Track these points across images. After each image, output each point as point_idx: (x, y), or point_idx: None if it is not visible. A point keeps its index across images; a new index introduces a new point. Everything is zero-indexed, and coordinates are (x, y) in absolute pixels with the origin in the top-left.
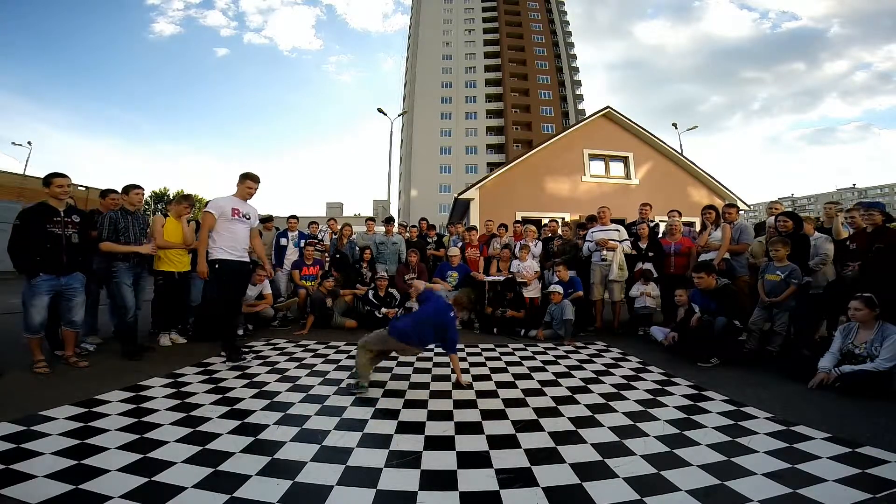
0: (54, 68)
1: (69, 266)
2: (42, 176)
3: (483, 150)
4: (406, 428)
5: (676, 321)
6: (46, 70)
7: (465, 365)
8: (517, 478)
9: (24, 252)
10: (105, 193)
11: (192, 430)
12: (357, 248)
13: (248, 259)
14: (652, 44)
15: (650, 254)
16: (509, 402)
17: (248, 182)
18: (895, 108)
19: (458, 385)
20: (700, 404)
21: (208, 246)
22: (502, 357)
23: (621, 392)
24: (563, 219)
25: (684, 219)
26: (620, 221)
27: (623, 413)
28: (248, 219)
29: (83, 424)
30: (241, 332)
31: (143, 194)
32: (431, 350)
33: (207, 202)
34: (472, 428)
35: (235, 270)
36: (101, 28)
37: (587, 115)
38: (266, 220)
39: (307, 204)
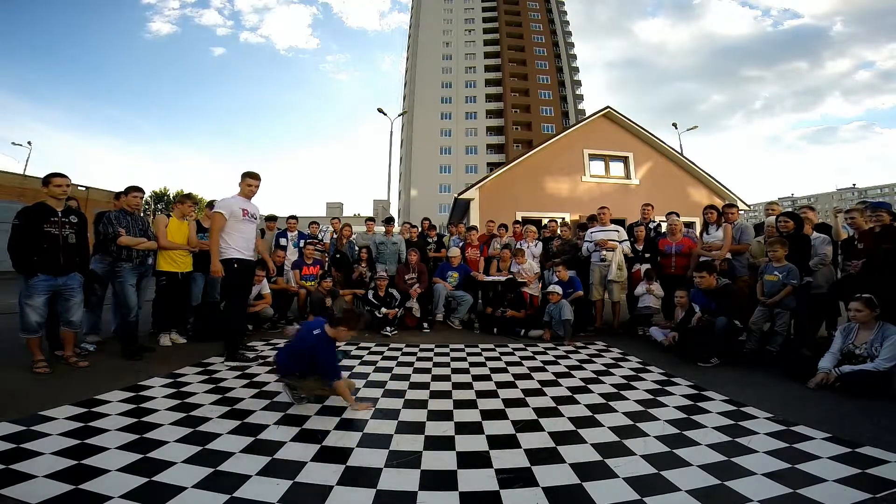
0: (55, 68)
1: (67, 266)
2: (42, 176)
3: (483, 150)
4: (406, 428)
5: (675, 321)
6: (45, 70)
7: (465, 365)
8: (517, 478)
9: (22, 252)
10: (119, 195)
11: (192, 430)
12: (357, 249)
13: (255, 259)
14: (652, 42)
15: (646, 255)
16: (509, 402)
17: (249, 180)
18: None
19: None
20: (700, 404)
21: (220, 247)
22: (502, 357)
23: (621, 392)
24: (563, 219)
25: (685, 219)
26: (621, 222)
27: (623, 413)
28: (256, 218)
29: (83, 424)
30: None
31: (142, 197)
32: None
33: (211, 202)
34: (472, 428)
35: (250, 270)
36: (98, 27)
37: (587, 114)
38: (270, 219)
39: (307, 204)
